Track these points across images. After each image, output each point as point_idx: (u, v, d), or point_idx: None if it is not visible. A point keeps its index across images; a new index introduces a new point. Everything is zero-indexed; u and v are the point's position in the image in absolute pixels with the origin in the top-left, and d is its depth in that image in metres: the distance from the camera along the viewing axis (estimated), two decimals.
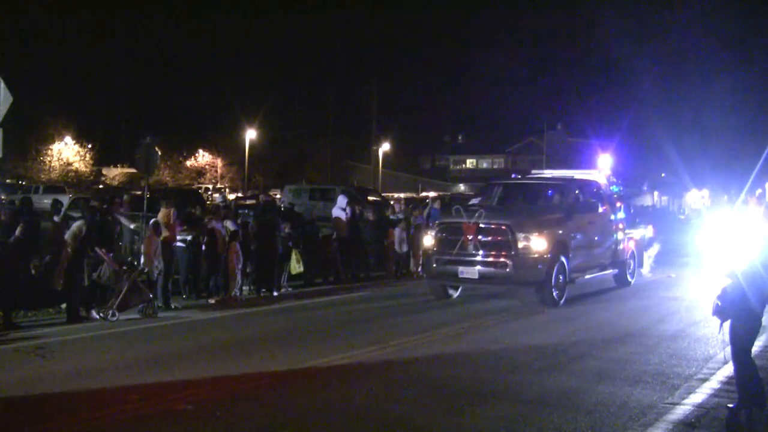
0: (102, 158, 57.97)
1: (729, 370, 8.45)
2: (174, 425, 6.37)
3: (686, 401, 7.21)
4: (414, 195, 46.20)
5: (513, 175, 18.49)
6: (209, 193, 46.11)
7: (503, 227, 12.87)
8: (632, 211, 16.72)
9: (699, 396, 7.41)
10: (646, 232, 18.30)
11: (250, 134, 53.20)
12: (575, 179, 15.85)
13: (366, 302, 14.13)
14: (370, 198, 28.86)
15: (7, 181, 40.68)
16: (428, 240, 14.09)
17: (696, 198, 48.14)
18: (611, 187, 16.29)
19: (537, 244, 12.75)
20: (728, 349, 6.77)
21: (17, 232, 10.73)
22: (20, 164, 47.76)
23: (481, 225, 12.90)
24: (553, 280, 12.82)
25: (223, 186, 55.91)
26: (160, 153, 18.25)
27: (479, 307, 13.28)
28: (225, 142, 59.31)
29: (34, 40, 65.13)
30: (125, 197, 16.15)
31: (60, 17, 75.34)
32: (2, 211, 11.65)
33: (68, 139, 53.43)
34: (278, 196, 34.09)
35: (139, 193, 18.64)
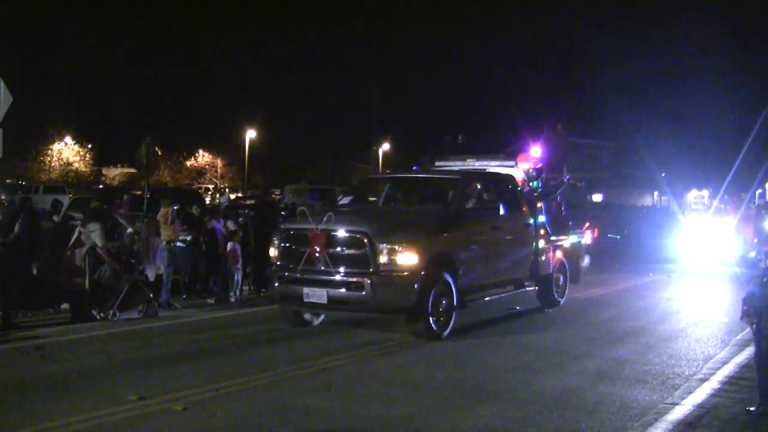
0: (102, 158, 58.02)
1: (729, 370, 8.50)
2: (173, 425, 6.37)
3: (686, 401, 7.22)
4: None
5: (414, 168, 14.53)
6: (209, 193, 46.13)
7: (358, 236, 9.68)
8: (564, 211, 13.76)
9: (699, 396, 7.41)
10: (584, 238, 14.97)
11: (250, 134, 53.22)
12: (474, 173, 12.79)
13: None
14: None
15: (7, 181, 40.67)
16: (272, 251, 10.70)
17: (696, 198, 48.09)
18: (531, 183, 12.90)
19: (406, 257, 9.56)
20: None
21: (16, 229, 10.73)
22: (20, 164, 47.76)
23: (332, 233, 9.80)
24: (430, 306, 9.75)
25: (223, 186, 55.95)
26: (160, 153, 18.26)
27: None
28: (225, 142, 59.34)
29: (34, 40, 65.17)
30: (125, 197, 16.13)
31: (60, 17, 75.36)
32: (1, 211, 11.66)
33: (68, 139, 53.45)
34: (278, 195, 34.11)
35: (139, 193, 18.64)
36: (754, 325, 6.79)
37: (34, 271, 11.55)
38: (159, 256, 12.40)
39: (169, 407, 6.78)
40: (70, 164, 53.07)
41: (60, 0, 78.03)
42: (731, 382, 7.98)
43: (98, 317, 11.29)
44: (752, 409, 6.74)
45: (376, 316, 10.48)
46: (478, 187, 11.77)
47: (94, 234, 11.36)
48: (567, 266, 13.55)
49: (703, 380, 8.04)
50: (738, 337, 10.32)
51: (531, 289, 12.51)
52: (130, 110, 64.40)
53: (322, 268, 9.78)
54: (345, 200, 12.96)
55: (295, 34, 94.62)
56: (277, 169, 60.67)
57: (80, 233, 11.53)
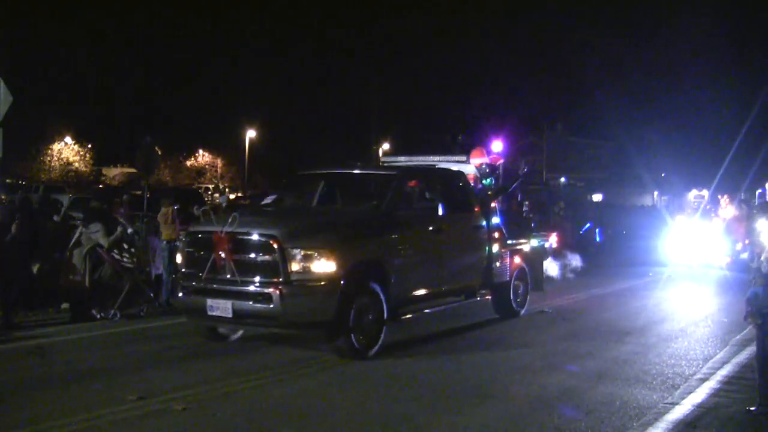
0: (102, 158, 58.03)
1: (729, 370, 8.50)
2: (172, 425, 6.37)
3: (686, 401, 7.22)
4: None
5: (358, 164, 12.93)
6: (209, 192, 46.14)
7: (266, 239, 8.42)
8: (526, 213, 12.83)
9: (699, 396, 7.41)
10: (549, 241, 13.98)
11: (250, 134, 53.24)
12: (415, 169, 11.57)
13: None
14: None
15: (7, 181, 40.70)
16: (178, 257, 9.72)
17: (696, 198, 48.12)
18: (484, 181, 11.71)
19: (322, 264, 8.33)
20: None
21: (13, 230, 10.73)
22: (20, 164, 47.79)
23: (238, 237, 8.60)
24: (352, 320, 8.54)
25: (224, 186, 55.97)
26: (160, 153, 18.24)
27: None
28: (225, 142, 59.41)
29: (34, 40, 65.17)
30: (125, 197, 16.13)
31: (60, 17, 75.37)
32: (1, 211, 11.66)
33: (68, 139, 53.49)
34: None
35: (139, 193, 18.63)
36: (759, 324, 6.79)
37: (34, 271, 11.56)
38: (159, 256, 12.38)
39: (168, 407, 6.78)
40: (70, 164, 53.10)
41: (60, 0, 78.07)
42: (731, 381, 7.98)
43: (98, 317, 11.29)
44: (753, 408, 6.74)
45: (288, 333, 8.94)
46: (420, 184, 10.40)
47: (97, 234, 11.36)
48: (528, 273, 12.26)
49: (703, 380, 8.04)
50: (737, 337, 10.32)
51: (484, 299, 11.34)
52: (130, 110, 64.44)
53: (228, 276, 8.54)
54: (269, 199, 11.68)
55: (295, 34, 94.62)
56: (276, 168, 60.68)
57: (81, 234, 11.54)
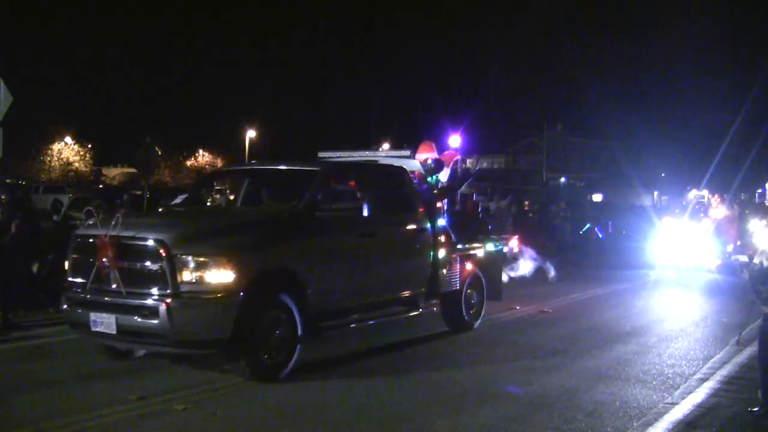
0: (102, 158, 58.03)
1: (729, 370, 8.50)
2: (172, 425, 6.37)
3: (686, 401, 7.22)
4: None
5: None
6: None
7: (153, 244, 7.33)
8: (481, 213, 11.63)
9: (699, 396, 7.42)
10: (508, 245, 12.73)
11: (250, 134, 53.23)
12: (343, 164, 10.37)
13: None
14: None
15: (7, 181, 40.70)
16: (66, 264, 8.36)
17: (696, 198, 48.08)
18: (430, 178, 10.42)
19: (218, 274, 7.26)
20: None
21: (12, 229, 10.73)
22: (20, 164, 47.77)
23: (123, 242, 7.49)
24: (257, 338, 7.51)
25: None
26: (160, 153, 18.24)
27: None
28: (225, 142, 59.41)
29: (35, 39, 65.18)
30: (125, 197, 16.13)
31: (60, 17, 75.37)
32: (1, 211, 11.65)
33: (68, 139, 53.48)
34: None
35: (139, 193, 18.63)
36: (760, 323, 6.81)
37: (34, 271, 11.55)
38: None
39: (168, 407, 6.78)
40: (70, 164, 53.08)
41: (60, 0, 78.07)
42: (731, 381, 7.99)
43: None
44: (756, 409, 6.73)
45: (179, 352, 7.73)
46: (348, 182, 9.27)
47: None
48: (483, 280, 10.99)
49: (703, 380, 8.05)
50: (737, 337, 10.32)
51: (422, 310, 9.85)
52: (130, 110, 64.46)
53: (113, 287, 7.47)
54: (179, 199, 10.41)
55: (295, 34, 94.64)
56: None
57: None
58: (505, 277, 12.61)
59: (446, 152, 11.49)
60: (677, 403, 7.15)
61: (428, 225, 9.83)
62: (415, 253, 9.70)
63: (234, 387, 7.51)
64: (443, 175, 10.70)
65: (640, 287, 16.35)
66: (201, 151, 62.31)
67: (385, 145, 56.41)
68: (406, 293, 9.62)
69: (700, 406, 7.08)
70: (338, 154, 11.30)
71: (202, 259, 7.25)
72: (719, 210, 21.98)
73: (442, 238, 10.00)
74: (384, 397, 7.28)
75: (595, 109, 68.26)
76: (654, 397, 7.44)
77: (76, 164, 53.45)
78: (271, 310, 7.69)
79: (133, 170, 49.71)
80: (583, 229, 24.10)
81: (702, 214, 21.88)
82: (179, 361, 8.28)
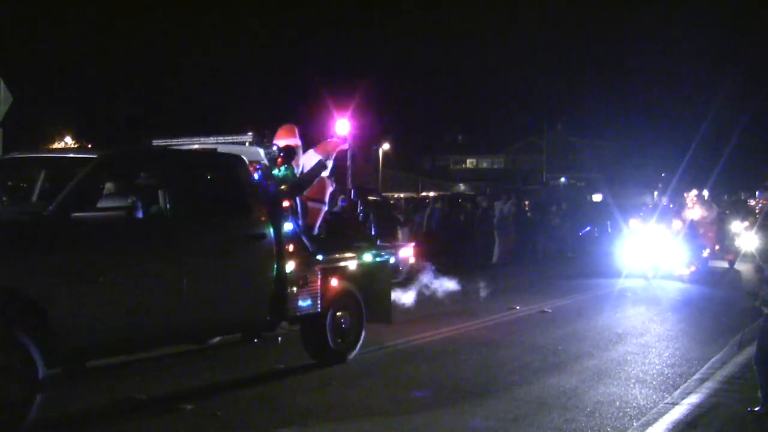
0: None
1: (728, 370, 8.51)
2: (175, 424, 6.38)
3: (686, 401, 7.24)
4: (414, 195, 46.22)
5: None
6: None
7: None
8: (362, 215, 9.87)
9: (699, 396, 7.43)
10: (402, 255, 10.14)
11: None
12: (137, 152, 8.42)
13: None
14: (371, 198, 28.83)
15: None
16: None
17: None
18: (276, 172, 8.57)
19: None
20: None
21: None
22: None
23: None
24: None
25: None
26: None
27: None
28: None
29: (34, 39, 65.18)
30: None
31: (60, 16, 75.40)
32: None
33: (68, 139, 53.51)
34: None
35: None
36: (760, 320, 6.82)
37: None
38: None
39: (171, 406, 6.79)
40: None
41: (60, 0, 78.11)
42: (731, 381, 8.00)
43: None
44: (757, 409, 6.73)
45: None
46: (136, 175, 7.39)
47: None
48: (360, 300, 8.84)
49: (703, 380, 8.06)
50: (736, 337, 10.33)
51: (274, 336, 8.36)
52: (130, 110, 64.44)
53: None
54: None
55: (294, 34, 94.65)
56: None
57: None
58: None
59: (329, 140, 9.63)
60: (677, 403, 7.16)
61: (269, 231, 7.70)
62: (247, 267, 7.59)
63: (239, 387, 7.51)
64: (323, 167, 8.88)
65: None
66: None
67: (386, 145, 56.52)
68: (236, 317, 7.59)
69: (699, 406, 7.09)
70: (175, 140, 9.68)
71: None
72: (695, 210, 19.79)
73: (291, 248, 7.86)
74: None
75: (595, 109, 68.28)
76: (654, 397, 7.45)
77: None
78: None
79: None
80: (583, 231, 24.05)
81: (673, 216, 19.22)
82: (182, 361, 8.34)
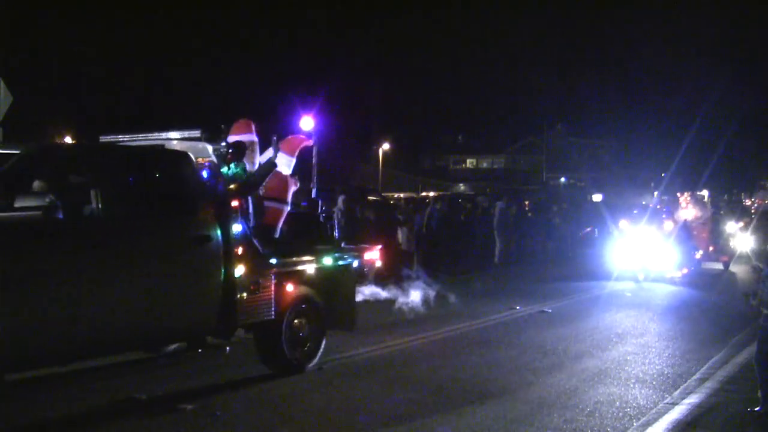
0: None
1: (728, 370, 8.51)
2: (175, 424, 6.38)
3: (686, 401, 7.24)
4: (414, 195, 46.24)
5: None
6: None
7: None
8: (322, 214, 9.26)
9: (699, 396, 7.43)
10: (367, 257, 9.38)
11: None
12: (54, 148, 8.34)
13: None
14: (370, 198, 28.84)
15: None
16: None
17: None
18: (226, 170, 8.08)
19: None
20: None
21: None
22: None
23: None
24: None
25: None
26: None
27: None
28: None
29: (34, 39, 65.20)
30: None
31: (60, 16, 75.44)
32: None
33: (68, 138, 53.53)
34: None
35: None
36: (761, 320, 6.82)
37: None
38: None
39: (172, 406, 6.79)
40: None
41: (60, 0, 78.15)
42: (731, 382, 8.00)
43: None
44: (757, 409, 6.74)
45: None
46: (67, 173, 6.60)
47: None
48: (320, 306, 8.33)
49: (703, 380, 8.06)
50: (737, 337, 10.34)
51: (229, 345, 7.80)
52: (130, 110, 64.45)
53: None
54: None
55: (294, 34, 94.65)
56: None
57: None
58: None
59: (291, 137, 9.28)
60: (677, 403, 7.16)
61: (215, 232, 7.20)
62: (191, 271, 7.05)
63: (240, 387, 7.52)
64: (273, 165, 8.41)
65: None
66: None
67: (386, 145, 56.44)
68: (182, 325, 7.06)
69: (699, 406, 7.09)
70: (122, 136, 9.21)
71: None
72: (689, 210, 19.73)
73: (240, 250, 7.40)
74: None
75: (595, 109, 68.27)
76: (654, 397, 7.45)
77: None
78: None
79: None
80: (584, 231, 24.04)
81: (664, 216, 18.87)
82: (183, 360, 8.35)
